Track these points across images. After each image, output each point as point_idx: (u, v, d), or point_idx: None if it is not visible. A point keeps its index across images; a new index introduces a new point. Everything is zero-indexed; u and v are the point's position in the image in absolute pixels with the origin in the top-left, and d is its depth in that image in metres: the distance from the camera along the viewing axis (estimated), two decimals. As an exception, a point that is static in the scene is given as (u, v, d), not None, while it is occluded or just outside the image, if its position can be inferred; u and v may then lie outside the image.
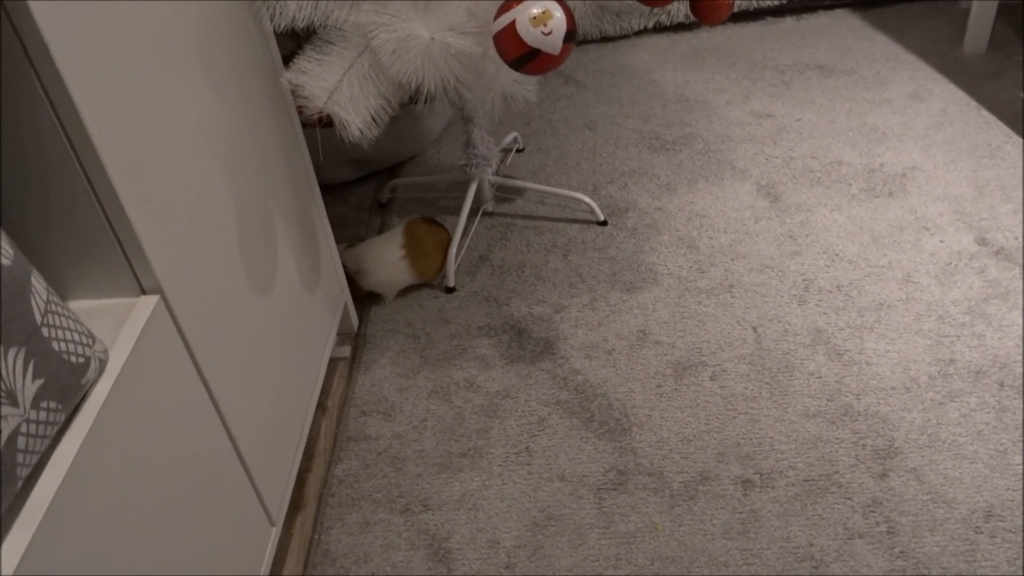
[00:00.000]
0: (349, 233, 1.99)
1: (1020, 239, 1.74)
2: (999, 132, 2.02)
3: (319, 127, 1.62)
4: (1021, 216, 1.79)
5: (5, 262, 0.76)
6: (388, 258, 1.73)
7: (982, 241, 1.75)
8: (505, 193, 2.04)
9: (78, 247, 0.94)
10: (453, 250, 1.81)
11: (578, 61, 2.50)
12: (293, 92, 1.30)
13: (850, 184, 1.94)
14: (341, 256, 1.67)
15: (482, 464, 1.46)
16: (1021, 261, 1.69)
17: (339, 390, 1.62)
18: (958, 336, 1.57)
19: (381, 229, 2.00)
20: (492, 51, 1.18)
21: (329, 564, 1.35)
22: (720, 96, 2.28)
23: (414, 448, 1.50)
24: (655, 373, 1.58)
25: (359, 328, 1.74)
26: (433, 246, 1.76)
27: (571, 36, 1.15)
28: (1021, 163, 1.93)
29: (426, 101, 1.31)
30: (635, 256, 1.83)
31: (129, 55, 0.92)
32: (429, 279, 1.80)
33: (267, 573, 1.21)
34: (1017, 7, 2.47)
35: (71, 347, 0.83)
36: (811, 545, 1.29)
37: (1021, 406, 1.44)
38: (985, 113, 2.09)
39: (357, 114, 1.21)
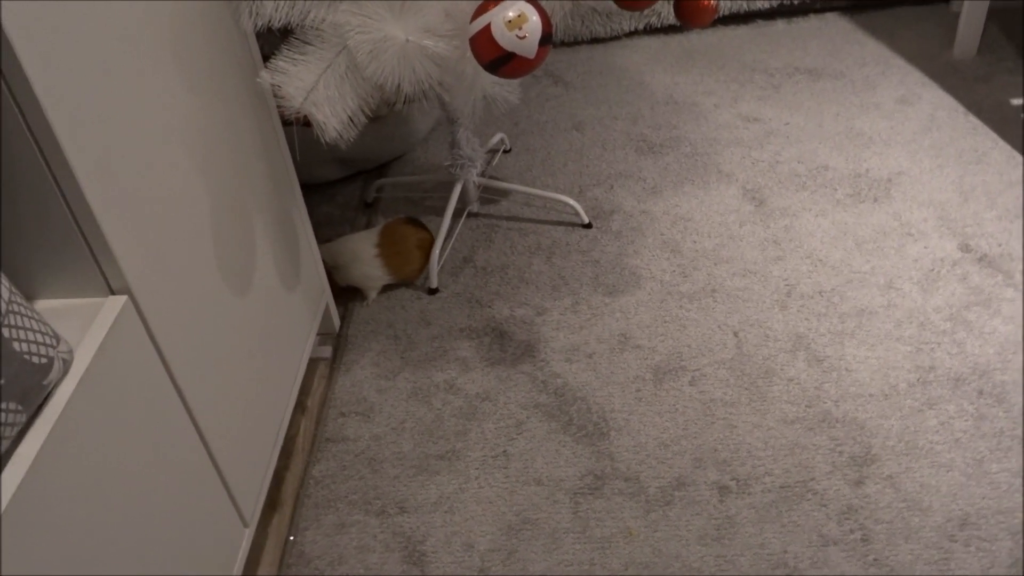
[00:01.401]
0: (334, 232, 1.98)
1: (1003, 246, 1.74)
2: (986, 138, 2.02)
3: (299, 125, 1.62)
4: (1005, 223, 1.79)
5: (-36, 263, 0.76)
6: (363, 254, 1.73)
7: (966, 248, 1.75)
8: (490, 194, 2.03)
9: (46, 247, 0.93)
10: (436, 251, 1.80)
11: (568, 62, 2.50)
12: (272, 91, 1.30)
13: (835, 189, 1.93)
14: (320, 251, 1.67)
15: (459, 467, 1.46)
16: (1003, 268, 1.69)
17: (319, 390, 1.62)
18: (938, 343, 1.57)
19: (366, 228, 1.99)
20: (469, 53, 1.17)
21: (304, 565, 1.35)
22: (709, 99, 2.28)
23: (392, 450, 1.50)
24: (635, 377, 1.57)
25: (340, 328, 1.74)
26: (413, 245, 1.76)
27: (547, 39, 1.14)
28: (1007, 169, 1.92)
29: (406, 103, 1.31)
30: (618, 259, 1.82)
31: (98, 54, 0.92)
32: (408, 279, 1.80)
33: (240, 574, 1.20)
34: (1008, 11, 2.47)
35: (33, 347, 0.83)
36: (785, 552, 1.28)
37: (999, 414, 1.44)
38: (973, 118, 2.09)
39: (334, 115, 1.21)
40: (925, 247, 1.76)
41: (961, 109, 2.12)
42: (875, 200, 1.89)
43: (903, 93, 2.21)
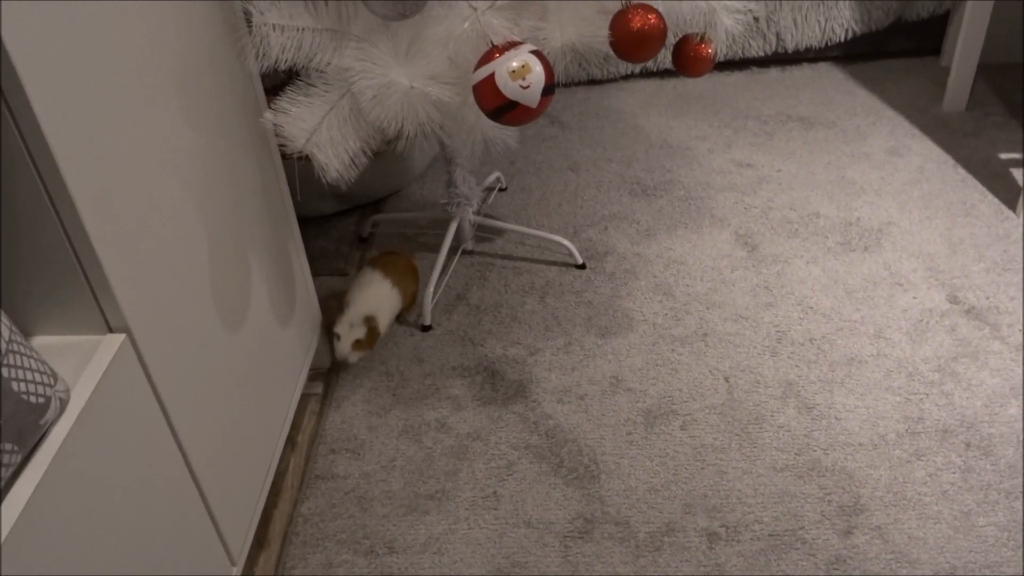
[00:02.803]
0: (329, 266, 1.99)
1: (991, 299, 1.76)
2: (974, 190, 2.05)
3: (299, 159, 1.63)
4: (993, 276, 1.81)
5: (-33, 302, 0.76)
6: (383, 293, 1.71)
7: (954, 299, 1.77)
8: (486, 232, 2.05)
9: (45, 283, 0.94)
10: (431, 288, 1.81)
11: (564, 103, 2.53)
12: (275, 131, 1.31)
13: (827, 237, 1.96)
14: (340, 327, 1.64)
15: (449, 507, 1.46)
16: (991, 321, 1.71)
17: (310, 426, 1.61)
18: (927, 394, 1.58)
19: (360, 264, 2.00)
20: (471, 99, 1.19)
21: (289, 605, 1.34)
22: (703, 143, 2.31)
23: (382, 488, 1.50)
24: (626, 420, 1.58)
25: (332, 364, 1.74)
26: (405, 268, 1.79)
27: (549, 89, 1.16)
28: (995, 222, 1.95)
29: (406, 143, 1.32)
30: (611, 301, 1.84)
31: (103, 88, 0.93)
32: (412, 303, 1.82)
33: (225, 614, 1.19)
34: (996, 67, 2.52)
35: (31, 387, 0.83)
36: (774, 602, 1.29)
37: (987, 467, 1.45)
38: (962, 171, 2.12)
39: (336, 156, 1.22)
40: (914, 297, 1.78)
41: (950, 162, 2.16)
42: (865, 249, 1.92)
43: (893, 144, 2.24)
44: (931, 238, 1.93)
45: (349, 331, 1.62)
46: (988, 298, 1.76)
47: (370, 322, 1.64)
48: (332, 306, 1.86)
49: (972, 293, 1.78)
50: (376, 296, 1.69)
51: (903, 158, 2.19)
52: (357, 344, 1.63)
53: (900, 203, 2.04)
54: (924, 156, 2.19)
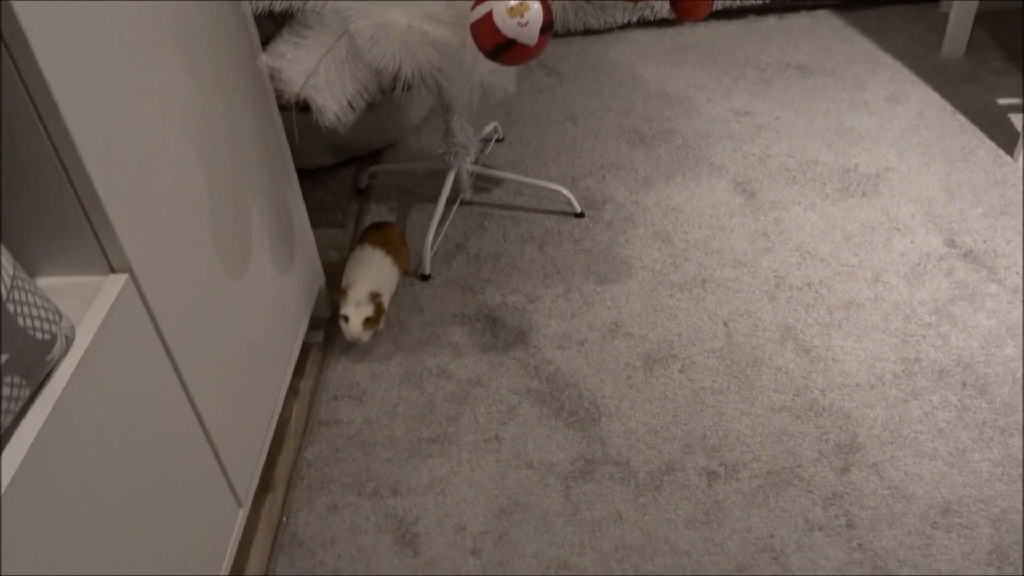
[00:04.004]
0: (327, 218, 1.99)
1: (988, 243, 1.77)
2: (973, 136, 2.05)
3: (296, 111, 1.62)
4: (990, 220, 1.82)
5: (-29, 236, 0.77)
6: (385, 268, 1.68)
7: (951, 243, 1.78)
8: (483, 183, 2.04)
9: (48, 224, 0.94)
10: (430, 237, 1.81)
11: (561, 53, 2.51)
12: (270, 76, 1.30)
13: (825, 184, 1.96)
14: (347, 309, 1.59)
15: (451, 451, 1.48)
16: (988, 264, 1.72)
17: (312, 374, 1.63)
18: (924, 336, 1.60)
19: (359, 215, 2.00)
20: (469, 40, 1.18)
21: (296, 546, 1.36)
22: (701, 92, 2.30)
23: (384, 433, 1.51)
24: (625, 365, 1.59)
25: (333, 313, 1.75)
26: (398, 240, 1.75)
27: (548, 27, 1.16)
28: (992, 168, 1.95)
29: (404, 89, 1.32)
30: (610, 249, 1.84)
31: (103, 35, 0.92)
32: (407, 271, 1.81)
33: (233, 553, 1.22)
34: (995, 13, 2.50)
35: (37, 323, 0.83)
36: (772, 536, 1.31)
37: (982, 405, 1.47)
38: (960, 117, 2.12)
39: (334, 99, 1.22)
40: (912, 242, 1.79)
41: (949, 108, 2.15)
42: (863, 195, 1.92)
43: (892, 91, 2.23)
44: (929, 183, 1.93)
45: (357, 311, 1.59)
46: (985, 242, 1.77)
47: (376, 298, 1.60)
48: (331, 257, 1.87)
49: (970, 237, 1.78)
50: (377, 272, 1.66)
51: (902, 105, 2.18)
52: (367, 322, 1.59)
53: (898, 149, 2.04)
54: (923, 103, 2.18)
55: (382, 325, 1.67)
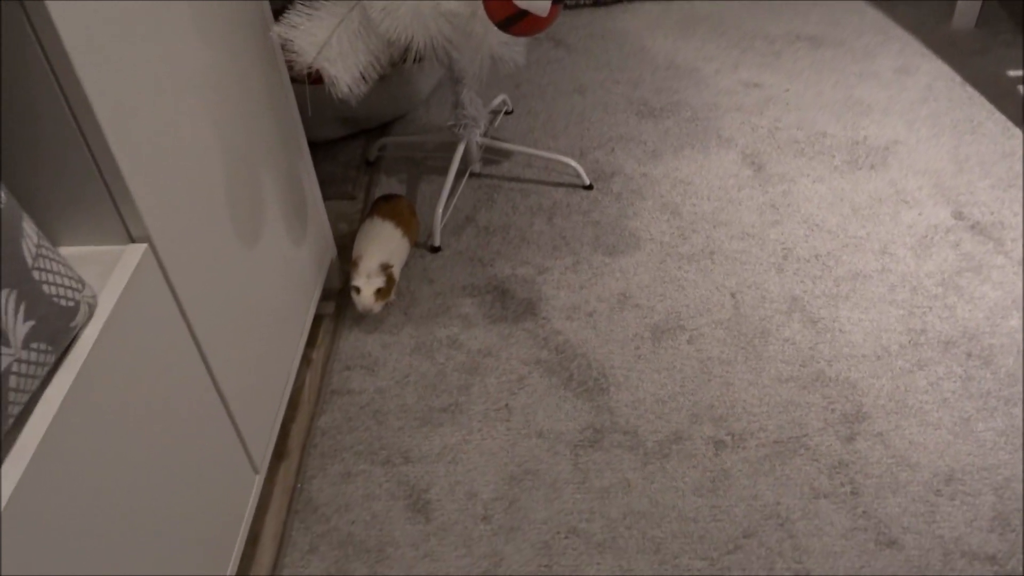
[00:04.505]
0: (337, 190, 2.00)
1: (995, 215, 1.77)
2: (982, 108, 2.05)
3: (308, 83, 1.63)
4: (998, 192, 1.82)
5: (-3, 205, 0.78)
6: (395, 239, 1.69)
7: (959, 215, 1.78)
8: (492, 155, 2.05)
9: (68, 194, 0.95)
10: (440, 209, 1.83)
11: (570, 25, 2.50)
12: (283, 47, 1.31)
13: (833, 156, 1.96)
14: (358, 280, 1.60)
15: (462, 420, 1.50)
16: (995, 236, 1.73)
17: (324, 344, 1.65)
18: (930, 307, 1.61)
19: (368, 188, 2.01)
20: (480, 11, 1.19)
21: (311, 512, 1.38)
22: (710, 64, 2.29)
23: (396, 402, 1.54)
24: (634, 335, 1.61)
25: (344, 284, 1.77)
26: (407, 212, 1.76)
27: (559, -1, 1.16)
28: (1001, 140, 1.95)
29: (415, 60, 1.32)
30: (619, 221, 1.85)
31: (121, 4, 0.93)
32: (416, 242, 1.83)
33: (251, 518, 1.24)
34: (1007, -16, 2.48)
35: (61, 291, 0.85)
36: (778, 503, 1.33)
37: (987, 376, 1.48)
38: (969, 89, 2.11)
39: (346, 70, 1.22)
40: (919, 214, 1.80)
41: (958, 80, 2.15)
42: (872, 167, 1.92)
43: (902, 63, 2.23)
44: (938, 155, 1.93)
45: (368, 282, 1.59)
46: (993, 213, 1.77)
47: (387, 269, 1.61)
48: (342, 229, 1.88)
49: (977, 209, 1.79)
50: (388, 244, 1.67)
51: (911, 77, 2.17)
52: (379, 293, 1.60)
53: (907, 121, 2.04)
54: (932, 75, 2.17)
55: (393, 296, 1.68)
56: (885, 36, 2.33)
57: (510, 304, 1.70)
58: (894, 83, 2.16)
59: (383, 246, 1.66)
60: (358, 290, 1.60)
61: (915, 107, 2.07)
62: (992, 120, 2.01)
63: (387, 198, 1.77)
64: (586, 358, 1.58)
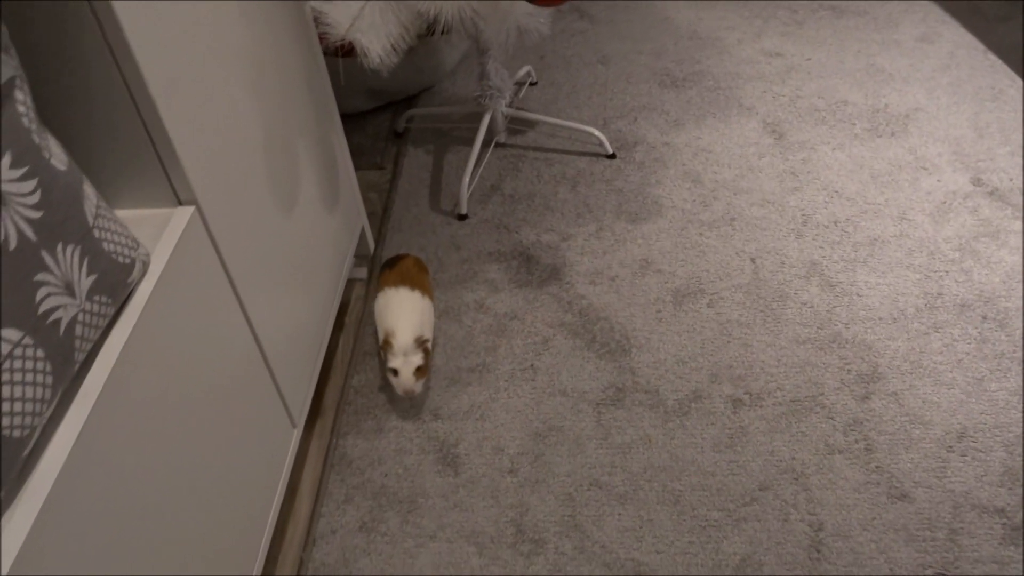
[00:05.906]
0: (366, 161, 2.06)
1: (1014, 181, 1.79)
2: (1003, 76, 2.06)
3: (340, 56, 1.67)
4: (1017, 159, 1.84)
5: (60, 167, 0.84)
6: (420, 309, 1.55)
7: (978, 181, 1.81)
8: (518, 125, 2.09)
9: (119, 159, 1.02)
10: (467, 178, 1.88)
11: (593, -4, 2.53)
12: (316, 19, 1.36)
13: (854, 124, 1.99)
14: (395, 362, 1.47)
15: (489, 379, 1.56)
16: (1012, 202, 1.75)
17: (356, 308, 1.71)
18: (947, 271, 1.64)
19: (397, 158, 2.06)
20: (507, -17, 1.23)
21: (346, 465, 1.45)
22: (732, 34, 2.31)
23: (426, 363, 1.60)
24: (655, 299, 1.66)
25: (375, 251, 1.83)
26: (419, 269, 1.65)
27: (583, -30, 1.20)
28: (1022, 107, 1.97)
29: (443, 32, 1.37)
30: (641, 188, 1.89)
31: (168, -21, 0.98)
32: (434, 298, 1.71)
33: (289, 470, 1.31)
34: (1034, -50, 2.47)
35: (118, 248, 0.91)
36: (793, 459, 1.38)
37: (1001, 338, 1.52)
38: (992, 56, 2.12)
39: (378, 41, 1.27)
40: (938, 180, 1.82)
41: (980, 48, 2.16)
42: (892, 135, 1.94)
43: (924, 31, 2.24)
44: (958, 123, 1.95)
45: (405, 362, 1.46)
46: (1012, 180, 1.80)
47: (423, 344, 1.49)
48: (371, 199, 1.94)
49: (996, 175, 1.81)
50: (414, 315, 1.53)
51: (934, 45, 2.18)
52: (418, 371, 1.46)
53: (928, 89, 2.05)
54: (955, 42, 2.18)
55: (429, 373, 1.56)
56: (908, 4, 2.34)
57: (535, 269, 1.75)
58: (916, 51, 2.17)
59: (411, 319, 1.52)
60: (395, 372, 1.46)
61: (936, 75, 2.09)
62: (1015, 87, 2.02)
63: (391, 264, 1.65)
64: (609, 321, 1.63)
